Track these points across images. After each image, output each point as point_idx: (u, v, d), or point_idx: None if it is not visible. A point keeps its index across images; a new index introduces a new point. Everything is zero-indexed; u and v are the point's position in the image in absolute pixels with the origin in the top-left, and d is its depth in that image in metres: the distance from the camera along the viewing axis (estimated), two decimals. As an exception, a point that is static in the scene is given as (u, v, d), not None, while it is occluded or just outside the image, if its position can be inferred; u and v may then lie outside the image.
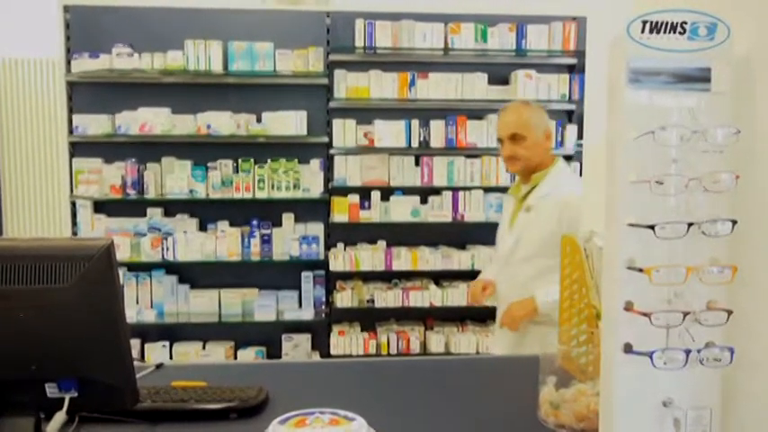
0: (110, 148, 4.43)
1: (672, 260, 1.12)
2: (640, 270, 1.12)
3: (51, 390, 1.23)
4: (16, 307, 1.18)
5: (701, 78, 1.13)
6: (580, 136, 4.56)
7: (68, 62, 4.34)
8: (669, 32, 1.11)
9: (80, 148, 4.40)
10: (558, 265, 2.16)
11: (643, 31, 1.10)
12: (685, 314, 1.12)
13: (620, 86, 1.12)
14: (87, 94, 4.43)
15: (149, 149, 4.44)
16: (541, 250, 2.69)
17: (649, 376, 1.15)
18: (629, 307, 1.14)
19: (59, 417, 1.23)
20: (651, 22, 1.10)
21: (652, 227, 1.10)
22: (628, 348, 1.15)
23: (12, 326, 1.19)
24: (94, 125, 4.33)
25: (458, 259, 4.53)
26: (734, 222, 1.12)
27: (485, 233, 4.67)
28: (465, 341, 4.53)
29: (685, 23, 1.10)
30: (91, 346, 1.21)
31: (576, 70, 4.60)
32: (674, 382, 1.17)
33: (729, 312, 1.14)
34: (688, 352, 1.13)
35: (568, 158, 4.64)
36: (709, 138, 1.11)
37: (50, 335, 1.21)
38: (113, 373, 1.25)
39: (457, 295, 4.53)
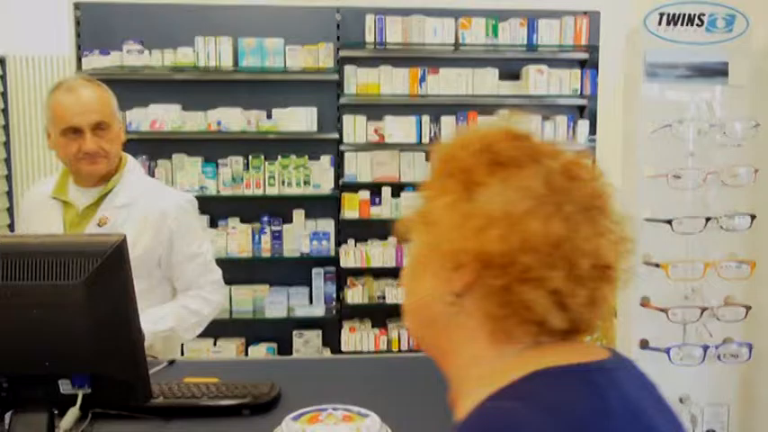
0: (121, 145, 4.43)
1: (689, 255, 1.11)
2: (657, 265, 1.11)
3: (65, 386, 1.23)
4: (30, 303, 1.18)
5: (718, 71, 1.12)
6: (591, 131, 4.53)
7: (79, 59, 4.34)
8: (687, 25, 1.10)
9: (91, 144, 4.40)
10: (156, 285, 2.10)
11: (660, 24, 1.09)
12: (703, 310, 1.11)
13: (637, 80, 1.11)
14: (98, 91, 4.42)
15: (160, 146, 4.44)
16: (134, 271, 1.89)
17: (666, 372, 1.14)
18: (645, 303, 1.13)
19: (73, 412, 1.23)
20: (668, 15, 1.08)
21: (669, 221, 1.09)
22: (644, 344, 1.14)
23: (25, 322, 1.19)
24: (105, 122, 4.32)
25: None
26: (753, 217, 1.10)
27: (496, 229, 4.65)
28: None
29: (703, 15, 1.09)
30: (104, 342, 1.21)
31: (588, 65, 4.57)
32: (691, 379, 1.16)
33: (748, 308, 1.12)
34: (706, 348, 1.12)
35: (580, 154, 4.61)
36: (727, 131, 1.10)
37: (63, 331, 1.20)
38: (126, 370, 1.25)
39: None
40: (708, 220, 1.07)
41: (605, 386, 0.72)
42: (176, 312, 2.07)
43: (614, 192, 0.80)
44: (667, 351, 1.09)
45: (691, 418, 1.16)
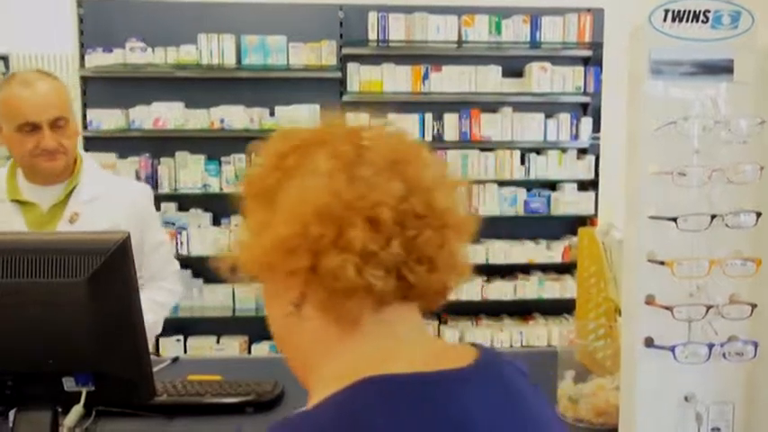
0: (124, 143, 4.43)
1: (694, 253, 1.11)
2: (662, 263, 1.11)
3: (68, 383, 1.23)
4: (33, 301, 1.18)
5: (723, 68, 1.12)
6: (595, 129, 4.52)
7: (82, 57, 4.34)
8: (692, 21, 1.09)
9: (94, 142, 4.40)
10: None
11: (665, 20, 1.08)
12: (708, 308, 1.10)
13: (642, 77, 1.10)
14: (101, 88, 4.43)
15: (163, 144, 4.44)
16: None
17: (671, 371, 1.14)
18: (650, 300, 1.13)
19: (76, 410, 1.23)
20: (673, 11, 1.08)
21: (674, 219, 1.08)
22: (649, 342, 1.14)
23: (29, 320, 1.19)
24: (108, 120, 4.33)
25: (472, 253, 4.47)
26: (758, 214, 1.10)
27: (499, 227, 4.65)
28: (480, 335, 4.51)
29: (708, 12, 1.09)
30: (107, 340, 1.21)
31: (591, 62, 4.56)
32: (697, 377, 1.15)
33: (753, 306, 1.12)
34: (711, 346, 1.11)
35: (583, 152, 4.61)
36: (732, 128, 1.09)
37: (67, 329, 1.20)
38: (130, 367, 1.25)
39: (471, 289, 4.51)
40: (713, 217, 1.06)
41: (437, 400, 0.70)
42: (149, 307, 1.94)
43: (424, 147, 0.82)
44: (672, 349, 1.08)
45: (696, 416, 1.15)
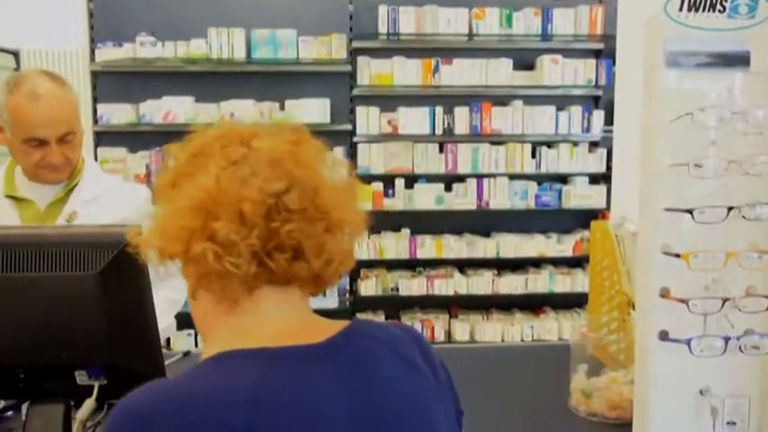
0: (134, 138, 4.44)
1: (709, 245, 1.09)
2: (677, 255, 1.09)
3: (81, 377, 1.23)
4: (45, 294, 1.18)
5: (740, 58, 1.10)
6: (606, 122, 4.49)
7: (92, 51, 4.35)
8: (708, 11, 1.08)
9: (104, 137, 4.41)
10: None
11: (681, 10, 1.07)
12: (724, 300, 1.09)
13: (657, 68, 1.09)
14: (111, 83, 4.44)
15: (173, 138, 4.38)
16: None
17: (686, 364, 1.13)
18: (665, 294, 1.12)
19: (89, 404, 1.23)
20: (690, 1, 1.06)
21: (690, 211, 1.07)
22: (663, 336, 1.13)
23: (41, 313, 1.19)
24: (118, 114, 4.34)
25: (483, 247, 4.50)
26: (775, 206, 1.09)
27: (510, 221, 4.64)
28: (490, 330, 4.51)
29: (725, 1, 1.07)
30: (120, 333, 1.21)
31: (603, 55, 4.53)
32: (712, 370, 1.14)
33: (770, 299, 1.11)
34: (727, 339, 1.10)
35: (595, 145, 4.58)
36: (749, 119, 1.08)
37: (79, 322, 1.20)
38: (142, 361, 1.25)
39: (481, 283, 4.50)
40: (730, 209, 1.05)
41: (260, 372, 0.79)
42: (167, 306, 1.99)
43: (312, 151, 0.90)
44: (688, 342, 1.07)
45: (711, 410, 1.14)
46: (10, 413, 1.46)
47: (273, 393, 0.78)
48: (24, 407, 1.29)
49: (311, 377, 0.81)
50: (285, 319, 0.88)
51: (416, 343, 0.95)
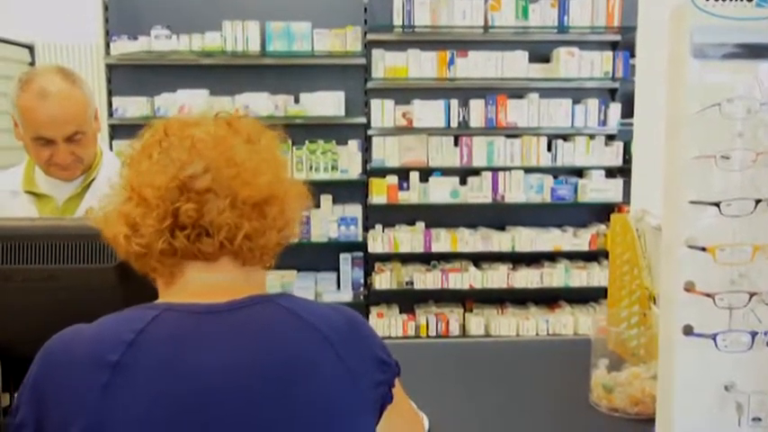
0: (149, 131, 4.44)
1: (736, 238, 1.07)
2: (703, 249, 1.07)
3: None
4: (63, 287, 1.18)
5: (768, 48, 1.08)
6: (623, 115, 4.46)
7: (107, 45, 4.36)
8: (735, 0, 1.05)
9: (120, 130, 4.43)
10: None
11: (708, -1, 1.04)
12: (751, 295, 1.07)
13: (683, 59, 1.07)
14: (126, 76, 4.45)
15: (188, 131, 4.45)
16: None
17: (711, 359, 1.11)
18: (689, 288, 1.10)
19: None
20: (717, -11, 1.04)
21: (717, 204, 1.05)
22: (688, 330, 1.11)
23: (58, 306, 1.19)
24: (133, 107, 4.35)
25: (497, 241, 4.48)
26: (805, 199, 1.06)
27: (525, 214, 4.62)
28: (505, 324, 4.49)
29: (753, -11, 1.05)
30: (138, 325, 1.21)
31: (620, 47, 4.49)
32: (737, 366, 1.12)
33: (799, 293, 1.08)
34: (754, 334, 1.08)
35: (611, 138, 4.55)
36: (778, 110, 1.05)
37: (96, 315, 1.20)
38: (160, 354, 1.25)
39: (496, 277, 4.49)
40: (758, 202, 1.03)
41: (163, 322, 0.87)
42: None
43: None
44: (714, 337, 1.05)
45: (736, 406, 1.12)
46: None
47: (153, 338, 0.85)
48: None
49: (197, 329, 0.87)
50: (206, 286, 0.94)
51: (349, 325, 0.95)
